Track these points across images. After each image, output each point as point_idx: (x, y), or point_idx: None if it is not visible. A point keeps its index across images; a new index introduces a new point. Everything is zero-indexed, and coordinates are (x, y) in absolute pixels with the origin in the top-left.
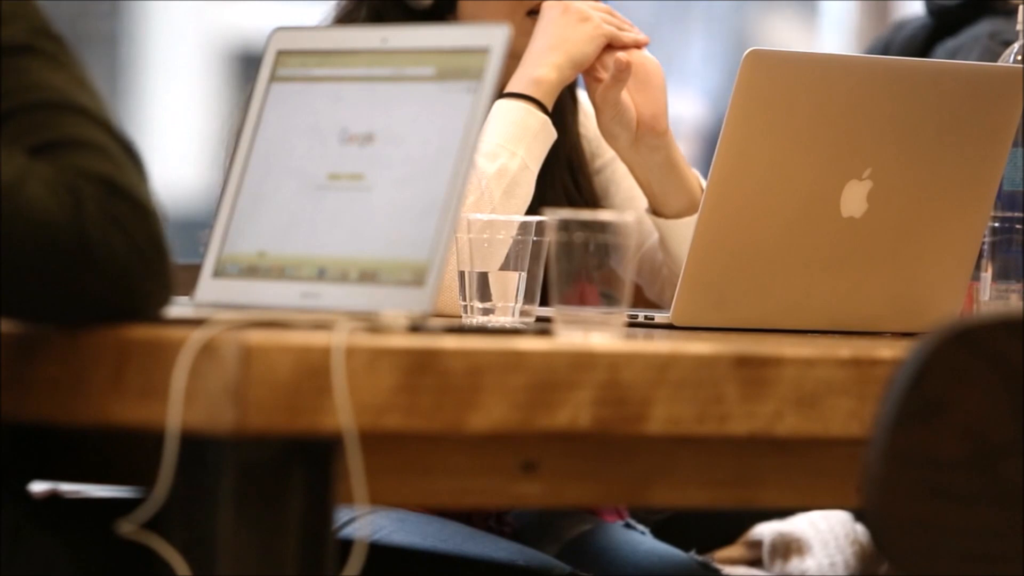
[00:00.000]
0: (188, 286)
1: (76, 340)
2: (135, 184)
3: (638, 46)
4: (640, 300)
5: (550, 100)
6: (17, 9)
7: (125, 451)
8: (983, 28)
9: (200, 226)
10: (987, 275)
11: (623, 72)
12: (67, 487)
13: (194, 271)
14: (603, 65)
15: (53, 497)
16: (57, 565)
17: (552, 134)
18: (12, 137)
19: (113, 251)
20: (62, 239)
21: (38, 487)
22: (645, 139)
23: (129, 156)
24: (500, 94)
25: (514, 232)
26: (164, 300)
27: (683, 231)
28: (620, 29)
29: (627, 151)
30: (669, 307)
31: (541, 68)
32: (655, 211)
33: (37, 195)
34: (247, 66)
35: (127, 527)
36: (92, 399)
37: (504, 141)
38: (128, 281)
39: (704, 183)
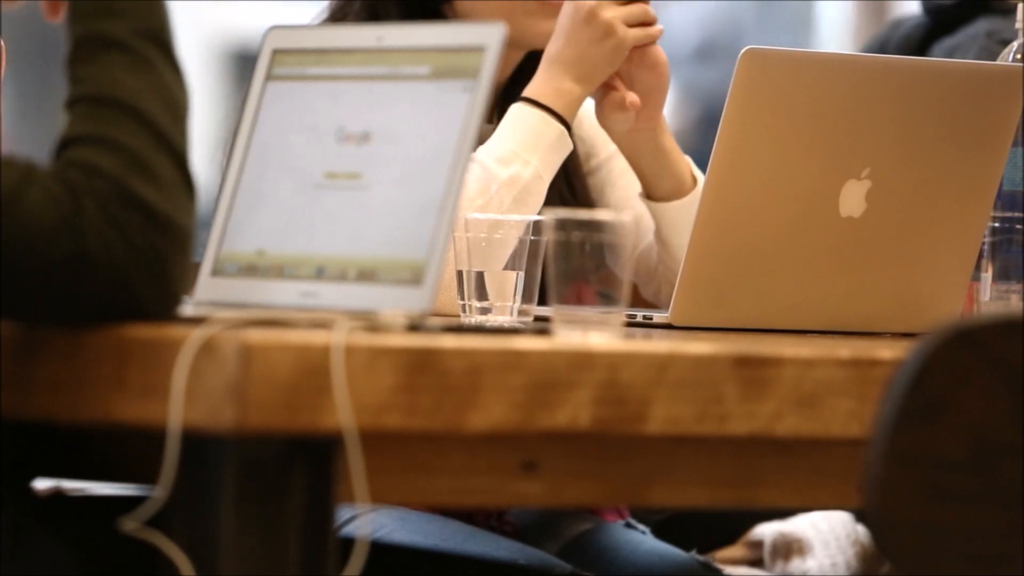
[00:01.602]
0: (188, 285)
1: (78, 339)
2: (152, 191)
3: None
4: (636, 300)
5: (571, 114)
6: (131, 7)
7: (127, 449)
8: (980, 27)
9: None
10: (987, 275)
11: (632, 109)
12: (70, 485)
13: (194, 270)
14: (618, 73)
15: (56, 495)
16: (60, 562)
17: (568, 145)
18: (69, 122)
19: (111, 258)
20: (58, 248)
21: (41, 485)
22: (641, 132)
23: (175, 168)
24: (519, 97)
25: (512, 232)
26: (166, 307)
27: (672, 215)
28: (643, 23)
29: (621, 138)
30: (665, 307)
31: (565, 81)
32: (647, 194)
33: (35, 202)
34: (244, 65)
35: (130, 524)
36: (94, 397)
37: (519, 148)
38: (126, 288)
39: (695, 169)
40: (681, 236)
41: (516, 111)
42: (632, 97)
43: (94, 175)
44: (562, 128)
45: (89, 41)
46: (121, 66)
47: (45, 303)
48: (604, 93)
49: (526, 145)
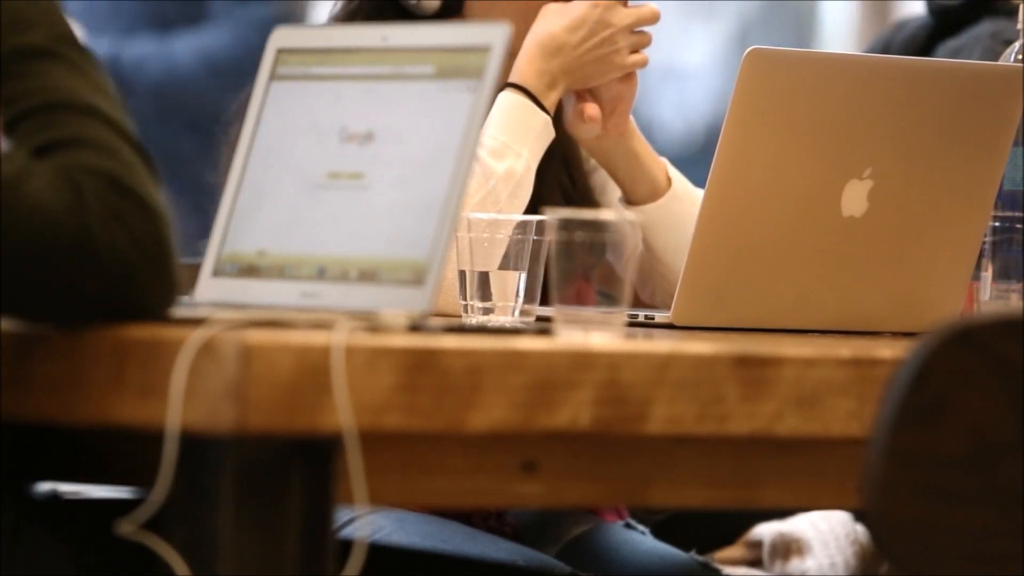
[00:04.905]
0: (188, 285)
1: (76, 339)
2: (140, 183)
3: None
4: (635, 301)
5: (553, 108)
6: (43, 16)
7: (125, 451)
8: (984, 28)
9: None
10: (987, 275)
11: (591, 122)
12: (67, 487)
13: (195, 270)
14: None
15: (53, 497)
16: (57, 566)
17: (551, 134)
18: (23, 136)
19: (116, 246)
20: (63, 233)
21: (38, 487)
22: (610, 138)
23: (140, 159)
24: (507, 83)
25: (514, 231)
26: (168, 298)
27: (649, 217)
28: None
29: (591, 145)
30: (663, 308)
31: (559, 78)
32: (625, 199)
33: (38, 189)
34: None
35: (127, 527)
36: (92, 398)
37: (510, 140)
38: (131, 277)
39: (670, 170)
40: (661, 238)
41: (505, 99)
42: (591, 111)
43: (88, 174)
44: (547, 117)
45: (14, 56)
46: (57, 72)
47: (49, 292)
48: (573, 101)
49: (516, 137)
